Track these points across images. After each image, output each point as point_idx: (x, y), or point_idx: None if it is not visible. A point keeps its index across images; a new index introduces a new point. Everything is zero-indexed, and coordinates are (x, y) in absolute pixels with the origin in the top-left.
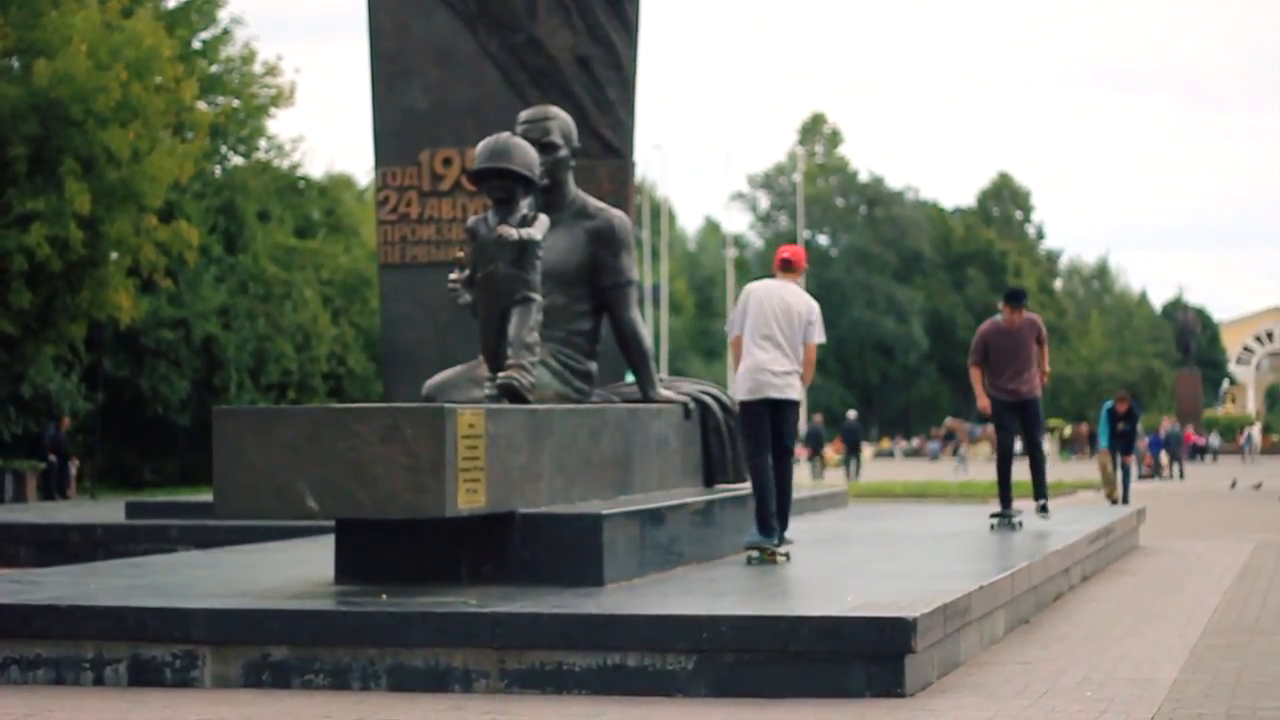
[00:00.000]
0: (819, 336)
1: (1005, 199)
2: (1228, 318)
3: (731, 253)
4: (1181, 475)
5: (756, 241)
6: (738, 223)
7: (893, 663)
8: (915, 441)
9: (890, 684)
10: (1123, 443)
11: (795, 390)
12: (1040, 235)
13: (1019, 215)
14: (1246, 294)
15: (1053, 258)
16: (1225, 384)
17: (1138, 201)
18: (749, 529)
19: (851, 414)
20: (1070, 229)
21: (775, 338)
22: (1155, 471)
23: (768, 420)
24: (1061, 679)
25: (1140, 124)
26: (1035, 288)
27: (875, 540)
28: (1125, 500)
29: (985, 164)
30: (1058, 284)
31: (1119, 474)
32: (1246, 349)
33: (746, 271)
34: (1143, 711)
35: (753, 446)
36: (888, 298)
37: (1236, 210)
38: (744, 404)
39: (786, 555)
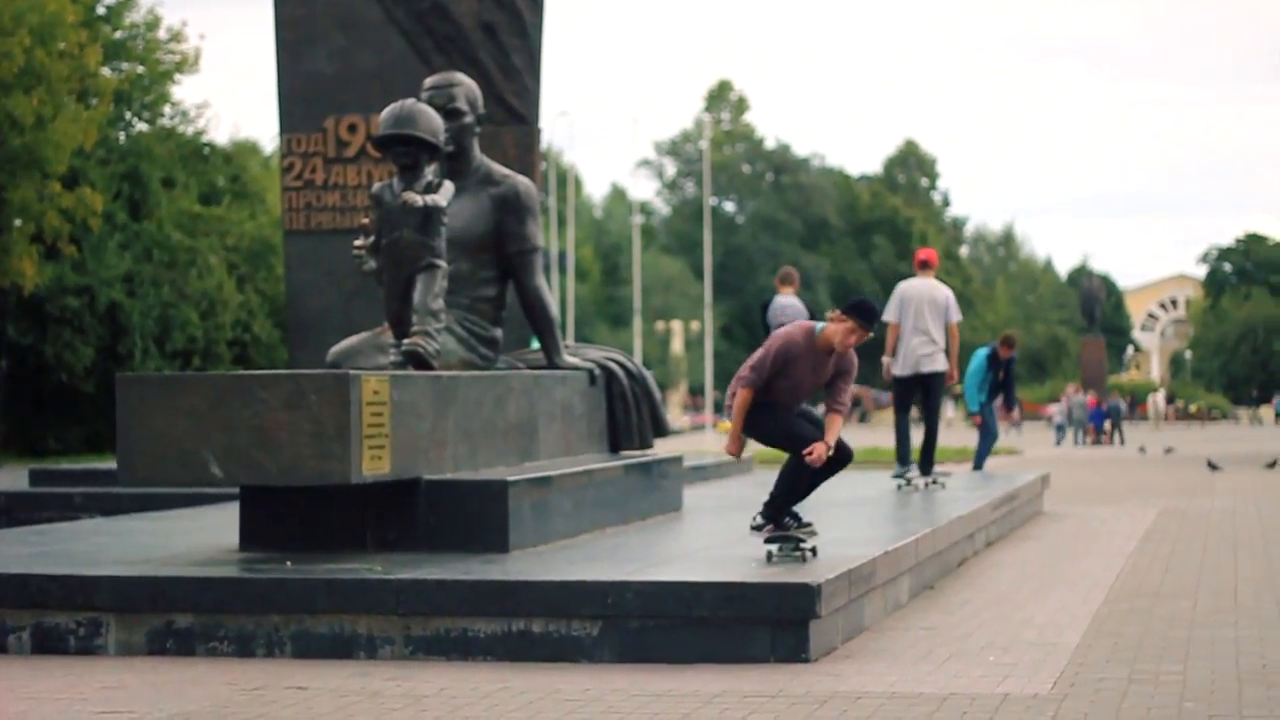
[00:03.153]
0: (957, 316)
1: (911, 166)
2: (1132, 285)
3: (638, 219)
4: (1122, 442)
5: (663, 208)
6: (644, 189)
7: (797, 628)
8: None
9: (795, 649)
10: (1000, 395)
11: (941, 363)
12: (946, 202)
13: (925, 182)
14: (1151, 261)
15: (958, 225)
16: (1130, 351)
17: (1043, 169)
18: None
19: None
20: (976, 196)
21: (925, 325)
22: (1098, 440)
23: (917, 389)
24: (965, 644)
25: (1046, 92)
26: (941, 255)
27: None
28: (978, 466)
29: (892, 131)
30: (963, 251)
31: (982, 432)
32: (1151, 316)
33: (653, 238)
34: (1045, 675)
35: (901, 410)
36: (794, 264)
37: (1142, 178)
38: (898, 379)
39: (942, 484)
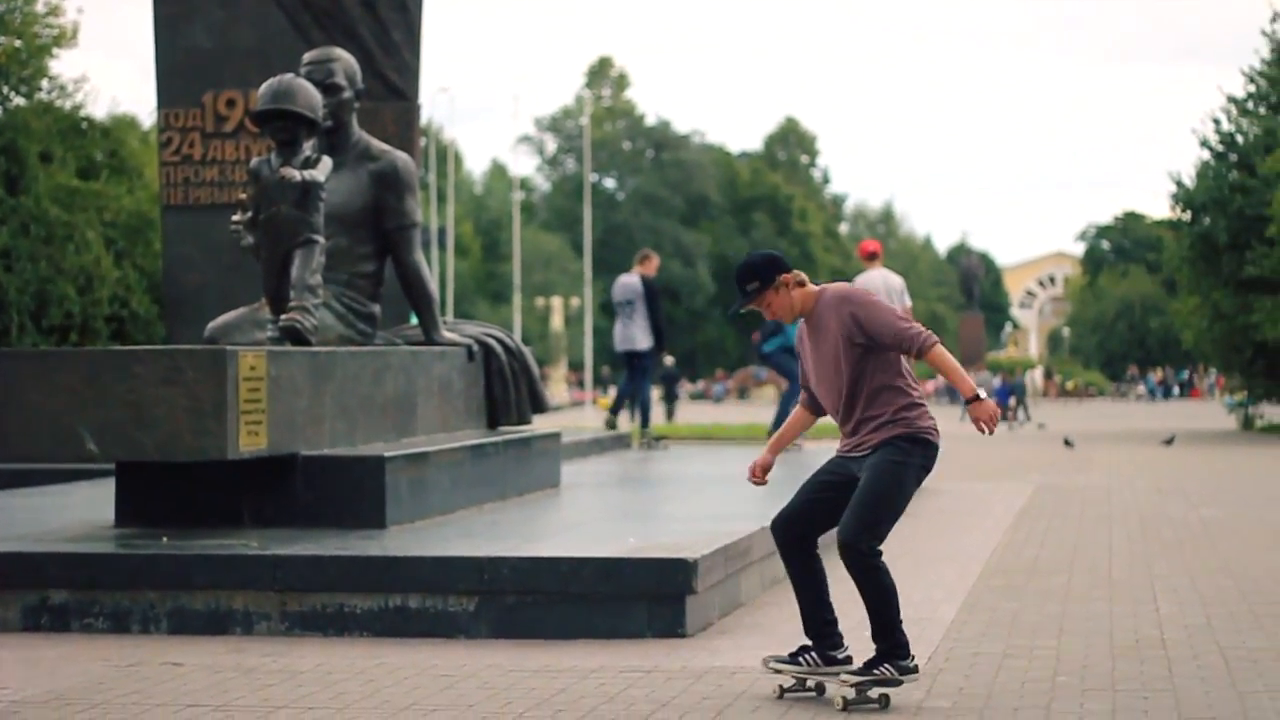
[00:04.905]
0: (909, 301)
1: (792, 143)
2: (1011, 262)
3: (518, 196)
4: (1028, 418)
5: (543, 185)
6: (525, 165)
7: (674, 603)
8: (701, 384)
9: (671, 625)
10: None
11: None
12: (826, 180)
13: (805, 160)
14: (1029, 239)
15: (838, 202)
16: (1008, 327)
17: (923, 147)
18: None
19: (669, 359)
20: (856, 174)
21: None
22: (1003, 417)
23: None
24: (842, 619)
25: (927, 70)
26: (821, 232)
27: (660, 482)
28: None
29: (772, 108)
30: (843, 228)
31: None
32: (1029, 293)
33: (533, 214)
34: (921, 650)
35: None
36: (674, 241)
37: (1020, 156)
38: None
39: None
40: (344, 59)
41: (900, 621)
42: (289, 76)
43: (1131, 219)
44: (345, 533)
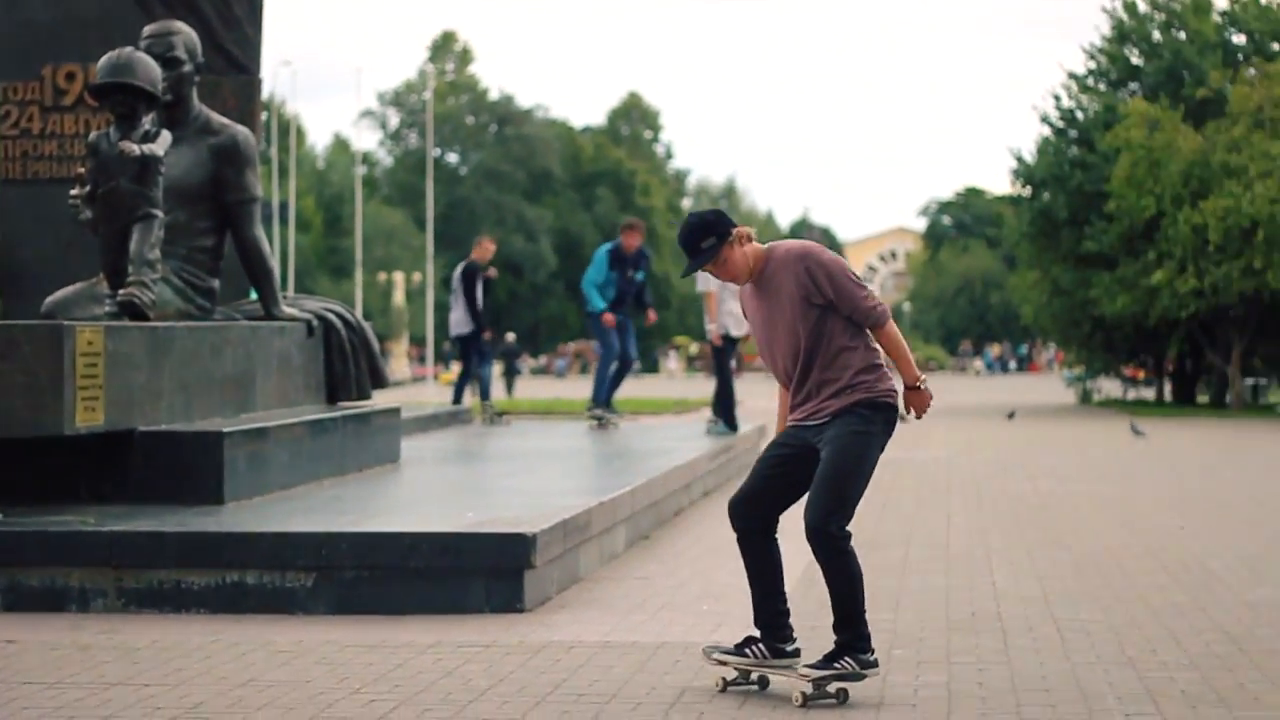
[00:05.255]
0: None
1: (635, 118)
2: (852, 237)
3: (361, 170)
4: None
5: (386, 159)
6: (367, 140)
7: (512, 578)
8: (543, 359)
9: (510, 600)
10: (631, 302)
11: (745, 325)
12: (669, 155)
13: (648, 135)
14: (871, 214)
15: (681, 177)
16: None
17: (765, 122)
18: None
19: (510, 336)
20: (699, 149)
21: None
22: None
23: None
24: (679, 593)
25: (769, 45)
26: (664, 207)
27: (500, 457)
28: (601, 405)
29: (615, 83)
30: (686, 203)
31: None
32: (870, 268)
33: (375, 189)
34: None
35: (724, 369)
36: (517, 216)
37: (862, 131)
38: (724, 337)
39: (717, 430)
40: (184, 32)
41: (864, 612)
42: (128, 50)
43: (972, 194)
44: (183, 509)
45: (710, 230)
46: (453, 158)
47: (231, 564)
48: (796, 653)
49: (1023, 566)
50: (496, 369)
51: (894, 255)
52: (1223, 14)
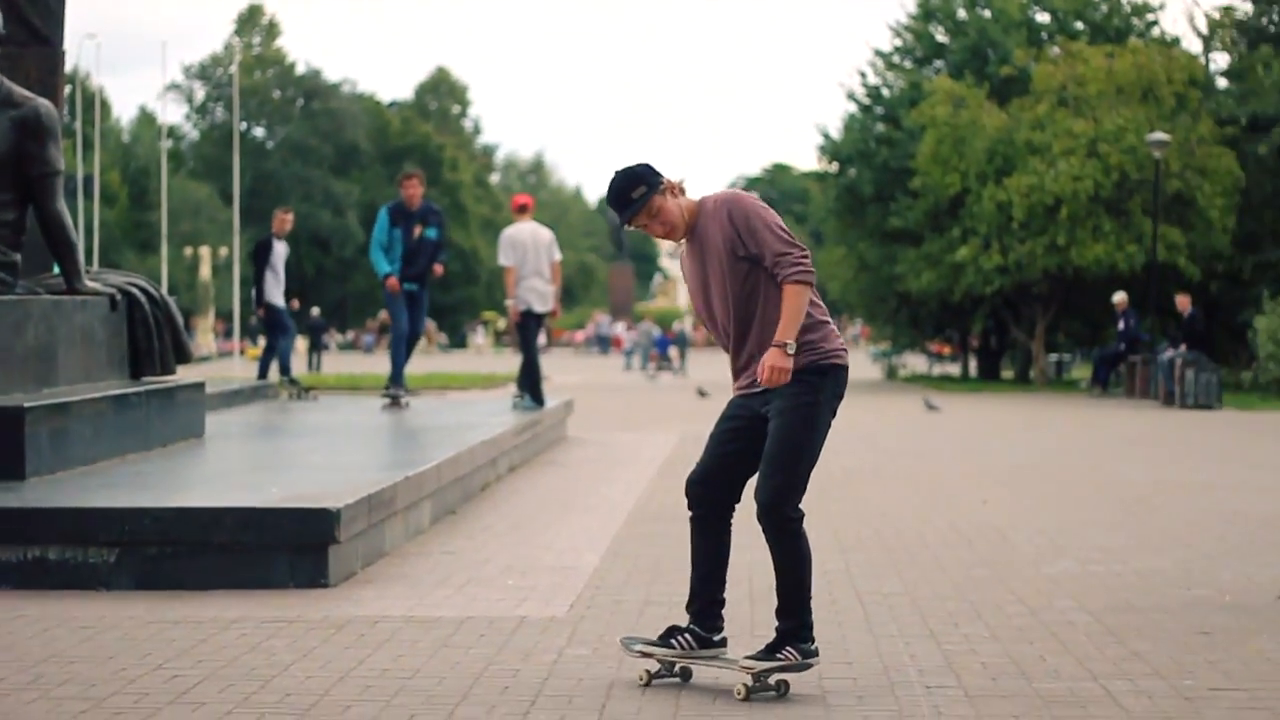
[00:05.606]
0: (558, 255)
1: (443, 93)
2: None
3: (166, 144)
4: (684, 370)
5: (192, 133)
6: (173, 114)
7: (316, 553)
8: (351, 334)
9: (314, 575)
10: (425, 265)
11: (551, 302)
12: (477, 130)
13: (456, 109)
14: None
15: (489, 152)
16: (658, 278)
17: (574, 98)
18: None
19: (315, 311)
20: (507, 123)
21: (540, 267)
22: (661, 367)
23: (533, 323)
24: (485, 568)
25: (579, 20)
26: (471, 182)
27: (305, 432)
28: (396, 384)
29: (423, 58)
30: (494, 178)
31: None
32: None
33: (181, 162)
34: (563, 598)
35: (530, 344)
36: (324, 190)
37: (671, 107)
38: (524, 314)
39: (521, 404)
40: None
41: (810, 599)
42: None
43: (780, 171)
44: None
45: (639, 180)
46: (259, 132)
47: (33, 540)
48: (723, 642)
49: (826, 539)
50: (302, 344)
51: None
52: None
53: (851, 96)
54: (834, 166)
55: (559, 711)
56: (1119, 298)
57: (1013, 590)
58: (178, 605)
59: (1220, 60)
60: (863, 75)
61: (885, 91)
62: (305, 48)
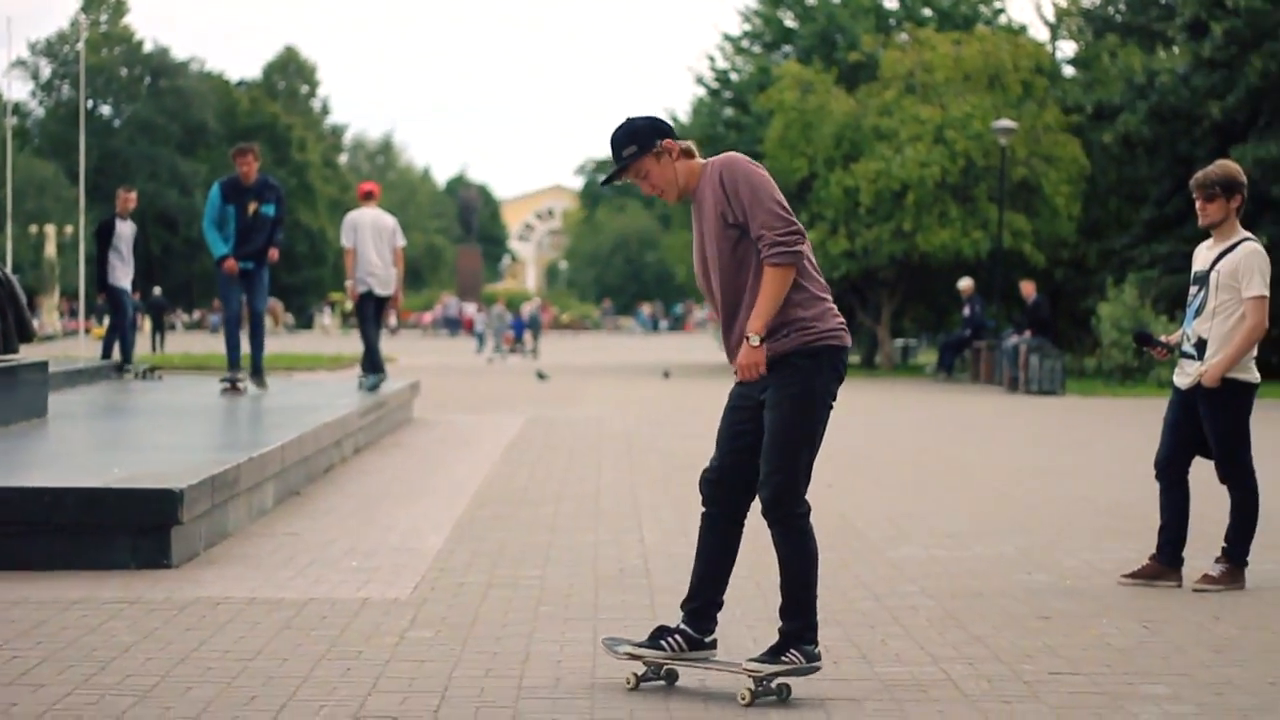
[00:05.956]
0: (402, 241)
1: (291, 73)
2: (509, 195)
3: (11, 122)
4: (536, 353)
5: (38, 111)
6: (18, 91)
7: (158, 534)
8: (198, 314)
9: (156, 556)
10: (262, 243)
11: (392, 286)
12: (326, 110)
13: (305, 89)
14: (528, 172)
15: (338, 132)
16: (506, 260)
17: (423, 78)
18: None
19: (157, 290)
20: (356, 104)
21: (380, 250)
22: (520, 349)
23: (372, 305)
24: (328, 550)
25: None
26: (320, 162)
27: (149, 412)
28: (235, 369)
29: (272, 37)
30: (343, 159)
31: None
32: (528, 226)
33: (27, 139)
34: (406, 580)
35: (366, 323)
36: (171, 169)
37: (520, 89)
38: (362, 296)
39: (369, 386)
40: None
41: (816, 599)
42: None
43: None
44: None
45: (633, 138)
46: (106, 110)
47: None
48: (713, 644)
49: (671, 523)
50: (145, 324)
51: (551, 213)
52: None
53: (700, 81)
54: None
55: (400, 694)
56: (965, 284)
57: (857, 575)
58: (18, 586)
59: (1067, 48)
60: (711, 60)
61: (734, 76)
62: (153, 25)
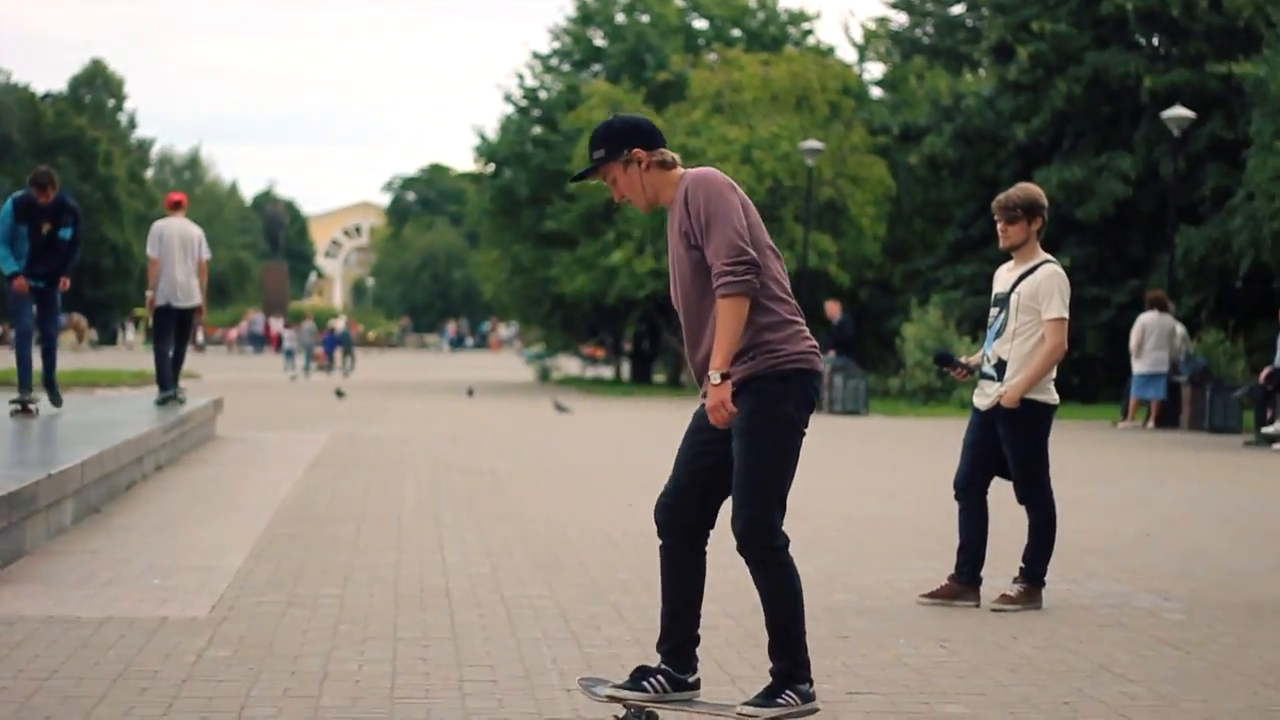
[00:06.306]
0: (207, 254)
1: (99, 86)
2: (317, 211)
3: None
4: (353, 368)
5: None
6: None
7: None
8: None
9: None
10: (48, 264)
11: (197, 298)
12: (133, 124)
13: (111, 103)
14: (335, 188)
15: (145, 146)
16: (313, 276)
17: (230, 93)
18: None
19: None
20: (163, 118)
21: (184, 261)
22: (329, 366)
23: (173, 319)
24: (127, 568)
25: (232, 15)
26: (126, 177)
27: None
28: (48, 386)
29: (78, 50)
30: (149, 173)
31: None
32: (335, 242)
33: None
34: (205, 599)
35: (161, 338)
36: None
37: (328, 105)
38: (160, 309)
39: (182, 399)
40: None
41: (805, 634)
42: None
43: (437, 171)
44: None
45: (605, 142)
46: None
47: None
48: (697, 684)
49: (473, 543)
50: None
51: (359, 230)
52: None
53: (509, 99)
54: (490, 168)
55: (197, 714)
56: None
57: (656, 595)
58: None
59: (874, 70)
60: (520, 78)
61: (543, 94)
62: None
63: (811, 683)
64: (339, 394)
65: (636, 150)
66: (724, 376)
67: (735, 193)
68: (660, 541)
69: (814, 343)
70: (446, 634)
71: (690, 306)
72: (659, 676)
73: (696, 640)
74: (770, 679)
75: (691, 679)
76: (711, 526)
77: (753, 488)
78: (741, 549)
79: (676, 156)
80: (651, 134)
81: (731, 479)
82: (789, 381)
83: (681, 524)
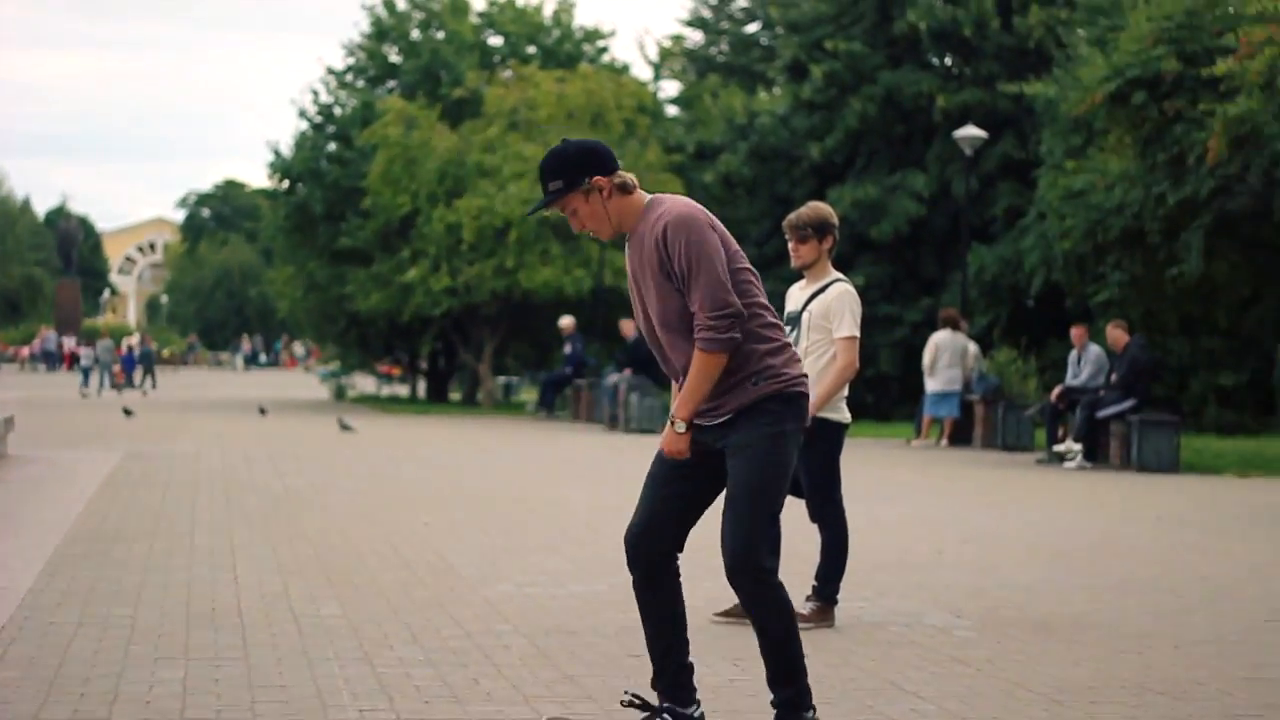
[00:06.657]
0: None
1: None
2: (111, 227)
3: None
4: (155, 386)
5: None
6: None
7: None
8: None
9: None
10: None
11: None
12: None
13: None
14: (130, 203)
15: None
16: (107, 293)
17: (21, 106)
18: None
19: None
20: None
21: None
22: (129, 384)
23: None
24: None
25: (28, 25)
26: None
27: None
28: None
29: None
30: None
31: None
32: (129, 259)
33: None
34: None
35: None
36: None
37: (123, 120)
38: None
39: None
40: None
41: (803, 657)
42: None
43: (232, 187)
44: None
45: (560, 173)
46: None
47: None
48: (702, 717)
49: (266, 561)
50: None
51: (153, 247)
52: (480, 15)
53: (303, 114)
54: (284, 184)
55: None
56: (565, 321)
57: (450, 613)
58: None
59: (669, 88)
60: (315, 93)
61: (338, 110)
62: None
63: (814, 707)
64: (127, 412)
65: (596, 179)
66: (687, 426)
67: (714, 230)
68: (632, 575)
69: (803, 367)
70: (239, 654)
71: (677, 345)
72: (665, 716)
73: (689, 667)
74: (774, 711)
75: (696, 713)
76: (680, 550)
77: (749, 506)
78: (734, 574)
79: (633, 178)
80: (608, 157)
81: (700, 507)
82: (792, 403)
83: (651, 553)
